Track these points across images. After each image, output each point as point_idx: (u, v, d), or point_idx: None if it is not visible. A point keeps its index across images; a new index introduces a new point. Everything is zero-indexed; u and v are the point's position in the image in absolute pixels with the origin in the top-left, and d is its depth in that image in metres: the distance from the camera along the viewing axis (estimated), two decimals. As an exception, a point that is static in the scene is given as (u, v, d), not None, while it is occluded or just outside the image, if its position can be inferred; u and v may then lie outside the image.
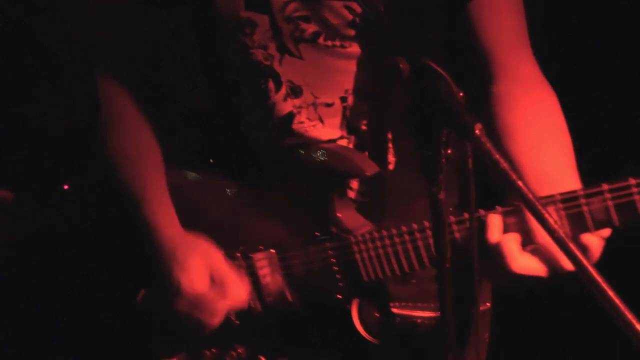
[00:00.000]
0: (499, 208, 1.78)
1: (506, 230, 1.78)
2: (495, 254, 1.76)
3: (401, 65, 1.45)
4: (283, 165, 2.04)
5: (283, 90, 2.04)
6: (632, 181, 1.72)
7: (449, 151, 1.46)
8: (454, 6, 1.97)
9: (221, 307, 2.02)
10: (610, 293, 1.37)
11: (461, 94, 1.45)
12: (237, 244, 2.05)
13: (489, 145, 1.40)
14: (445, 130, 1.44)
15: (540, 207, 1.40)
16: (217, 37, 2.07)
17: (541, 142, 1.72)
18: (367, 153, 2.02)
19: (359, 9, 1.94)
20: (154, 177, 2.09)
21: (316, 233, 1.99)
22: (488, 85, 1.92)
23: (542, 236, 1.71)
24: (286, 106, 2.04)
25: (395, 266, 1.92)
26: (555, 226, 1.39)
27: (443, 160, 1.46)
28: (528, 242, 1.78)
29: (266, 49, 2.02)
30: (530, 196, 1.40)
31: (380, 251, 1.92)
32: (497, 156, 1.40)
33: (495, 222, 1.77)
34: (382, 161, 2.02)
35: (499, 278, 1.80)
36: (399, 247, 1.90)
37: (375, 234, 1.92)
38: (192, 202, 2.09)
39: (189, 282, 2.01)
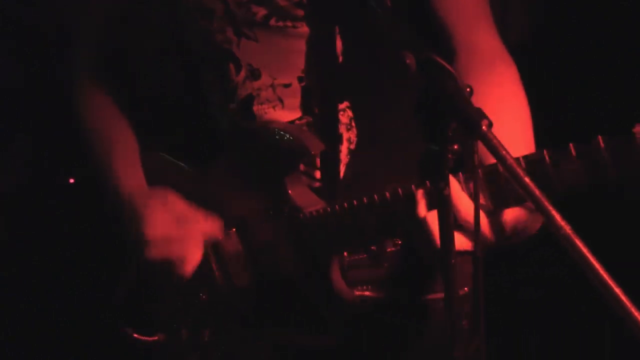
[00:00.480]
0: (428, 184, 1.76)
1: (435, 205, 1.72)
2: (421, 229, 1.73)
3: (408, 61, 1.46)
4: (242, 146, 2.07)
5: (243, 73, 2.06)
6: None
7: (455, 147, 1.47)
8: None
9: (193, 238, 2.05)
10: (617, 290, 1.37)
11: (467, 89, 1.46)
12: None
13: (495, 141, 1.40)
14: (453, 126, 1.44)
15: (546, 203, 1.40)
16: (179, 23, 2.11)
17: (498, 115, 1.68)
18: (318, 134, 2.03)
19: None
20: (123, 140, 2.16)
21: (270, 212, 2.00)
22: (449, 62, 1.91)
23: (463, 214, 1.68)
24: (246, 89, 2.07)
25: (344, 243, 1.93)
26: (562, 223, 1.39)
27: (449, 155, 1.47)
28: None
29: (224, 34, 2.05)
30: (537, 192, 1.40)
31: (331, 228, 1.91)
32: (504, 152, 1.40)
33: (422, 198, 1.75)
34: (336, 140, 2.03)
35: (427, 252, 1.76)
36: (349, 221, 1.88)
37: (326, 210, 1.92)
38: (159, 182, 2.12)
39: (151, 228, 2.05)
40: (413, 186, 1.76)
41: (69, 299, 3.12)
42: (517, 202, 1.70)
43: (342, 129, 2.03)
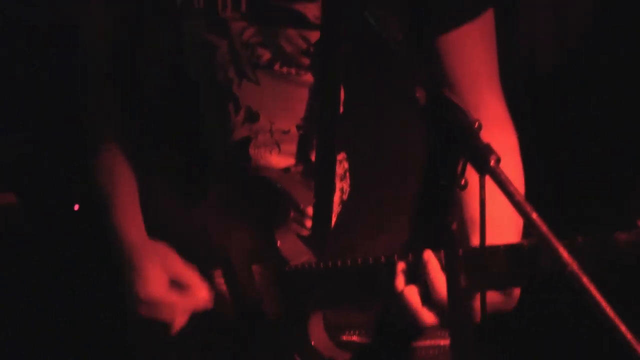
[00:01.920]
0: (410, 256, 1.84)
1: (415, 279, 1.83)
2: (398, 302, 1.83)
3: (417, 94, 1.47)
4: (235, 187, 2.11)
5: (241, 114, 2.09)
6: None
7: (462, 182, 1.47)
8: (427, 36, 2.00)
9: (182, 306, 2.12)
10: (622, 327, 1.39)
11: (476, 125, 1.46)
12: (197, 259, 2.13)
13: (503, 176, 1.41)
14: (462, 161, 1.45)
15: (553, 240, 1.41)
16: (184, 57, 2.14)
17: None
18: (312, 182, 2.07)
19: (313, 39, 2.02)
20: (125, 185, 2.21)
21: (256, 258, 2.08)
22: None
23: (438, 293, 1.78)
24: (243, 130, 2.10)
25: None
26: (569, 260, 1.40)
27: (458, 190, 1.47)
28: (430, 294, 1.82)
29: (225, 72, 2.08)
30: (544, 229, 1.41)
31: (315, 285, 2.00)
32: (512, 188, 1.41)
33: (401, 272, 1.83)
34: (329, 191, 2.07)
35: (401, 324, 1.88)
36: (332, 281, 1.97)
37: (311, 266, 2.00)
38: (158, 215, 2.19)
39: (144, 286, 2.11)
40: (396, 255, 1.83)
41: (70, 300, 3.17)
42: (495, 286, 1.78)
43: (337, 179, 2.06)
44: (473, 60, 2.02)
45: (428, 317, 1.82)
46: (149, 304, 2.10)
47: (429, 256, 1.79)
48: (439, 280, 1.76)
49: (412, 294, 1.81)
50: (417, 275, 1.82)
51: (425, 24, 1.99)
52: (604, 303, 1.41)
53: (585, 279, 1.42)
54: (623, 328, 1.40)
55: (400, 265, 1.82)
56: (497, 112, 2.04)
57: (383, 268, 1.85)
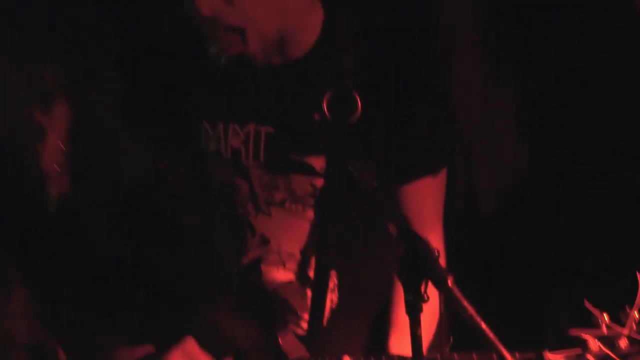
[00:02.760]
0: None
1: None
2: None
3: (391, 230, 1.85)
4: (248, 295, 2.47)
5: (257, 239, 2.46)
6: None
7: (426, 297, 1.84)
8: (388, 188, 2.35)
9: None
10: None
11: (436, 253, 1.84)
12: (214, 351, 2.44)
13: (459, 294, 1.76)
14: (425, 281, 1.80)
15: (500, 347, 1.75)
16: (208, 194, 2.50)
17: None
18: (309, 293, 2.44)
19: (318, 184, 2.38)
20: None
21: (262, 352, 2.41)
22: None
23: None
24: (258, 251, 2.47)
25: None
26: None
27: (421, 303, 1.81)
28: None
29: (245, 207, 2.45)
30: (492, 336, 1.75)
31: None
32: (465, 303, 1.75)
33: None
34: (322, 301, 2.43)
35: None
36: None
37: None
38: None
39: None
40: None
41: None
42: None
43: (328, 292, 2.45)
44: (424, 207, 2.43)
45: None
46: None
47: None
48: None
49: None
50: None
51: (390, 173, 2.36)
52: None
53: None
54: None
55: None
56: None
57: None
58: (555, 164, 3.13)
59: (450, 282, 1.77)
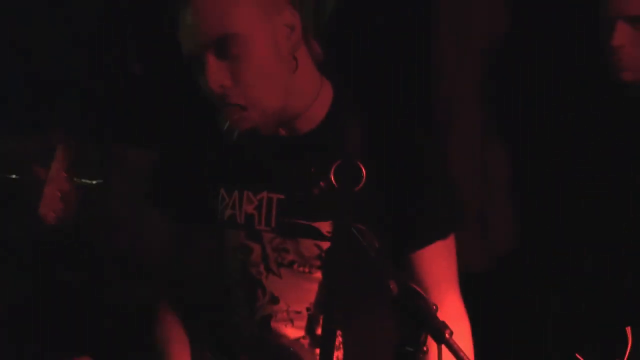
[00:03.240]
0: None
1: None
2: None
3: (391, 287, 2.03)
4: (259, 352, 2.61)
5: (267, 298, 2.61)
6: None
7: (424, 348, 2.02)
8: (401, 254, 2.54)
9: None
10: None
11: (434, 307, 2.03)
12: None
13: (456, 346, 1.94)
14: (424, 334, 1.97)
15: None
16: (223, 257, 2.66)
17: None
18: (317, 350, 2.56)
19: (324, 247, 2.51)
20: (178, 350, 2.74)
21: None
22: None
23: None
24: (268, 309, 2.59)
25: None
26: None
27: (421, 355, 1.98)
28: None
29: (258, 268, 2.60)
30: None
31: None
32: (462, 354, 1.95)
33: None
34: (329, 358, 2.54)
35: None
36: None
37: None
38: None
39: None
40: None
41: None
42: None
43: (334, 349, 2.56)
44: (439, 270, 2.55)
45: None
46: None
47: None
48: None
49: None
50: None
51: (402, 241, 2.53)
52: None
53: None
54: None
55: None
56: (456, 307, 2.60)
57: None
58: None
59: (447, 335, 1.95)
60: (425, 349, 1.98)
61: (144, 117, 3.63)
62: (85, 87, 3.68)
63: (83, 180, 3.15)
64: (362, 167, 2.47)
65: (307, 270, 2.56)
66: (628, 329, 2.15)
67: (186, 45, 2.43)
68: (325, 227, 2.50)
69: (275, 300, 2.62)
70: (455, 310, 2.60)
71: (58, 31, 3.67)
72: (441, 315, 2.46)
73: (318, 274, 2.56)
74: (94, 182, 3.28)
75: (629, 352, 2.10)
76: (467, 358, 1.94)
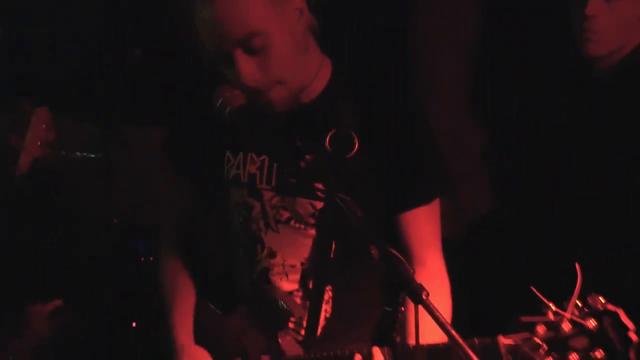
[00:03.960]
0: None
1: None
2: None
3: (373, 252, 2.14)
4: (257, 303, 2.78)
5: (265, 252, 2.77)
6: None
7: (402, 308, 2.11)
8: (389, 217, 2.69)
9: None
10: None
11: (411, 271, 2.11)
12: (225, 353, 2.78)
13: (432, 306, 2.04)
14: (402, 294, 2.09)
15: (468, 350, 2.02)
16: (229, 213, 2.83)
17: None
18: (307, 303, 2.73)
19: (318, 206, 2.66)
20: (183, 295, 2.89)
21: (267, 349, 2.71)
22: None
23: None
24: (266, 263, 2.77)
25: None
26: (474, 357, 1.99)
27: (399, 314, 2.11)
28: None
29: (258, 224, 2.76)
30: (460, 341, 2.02)
31: None
32: (438, 313, 2.03)
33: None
34: (318, 310, 2.73)
35: None
36: None
37: (300, 357, 2.63)
38: (200, 326, 2.86)
39: None
40: (355, 350, 2.42)
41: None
42: None
43: (323, 303, 2.76)
44: (423, 232, 2.71)
45: None
46: None
47: (376, 351, 2.36)
48: None
49: None
50: None
51: (389, 205, 2.68)
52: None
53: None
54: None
55: (358, 357, 2.42)
56: (438, 265, 2.77)
57: (346, 358, 2.46)
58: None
59: (424, 296, 2.05)
60: (402, 308, 2.10)
61: (147, 96, 3.80)
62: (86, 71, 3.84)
63: (81, 154, 3.35)
64: (354, 135, 2.63)
65: (302, 226, 2.72)
66: (577, 265, 2.19)
67: (211, 42, 2.58)
68: (319, 187, 2.62)
69: (273, 254, 2.78)
70: (437, 268, 2.76)
71: (54, 16, 3.87)
72: (423, 273, 2.68)
73: (312, 231, 2.72)
74: (93, 155, 3.47)
75: (578, 287, 2.21)
76: (442, 317, 2.03)
